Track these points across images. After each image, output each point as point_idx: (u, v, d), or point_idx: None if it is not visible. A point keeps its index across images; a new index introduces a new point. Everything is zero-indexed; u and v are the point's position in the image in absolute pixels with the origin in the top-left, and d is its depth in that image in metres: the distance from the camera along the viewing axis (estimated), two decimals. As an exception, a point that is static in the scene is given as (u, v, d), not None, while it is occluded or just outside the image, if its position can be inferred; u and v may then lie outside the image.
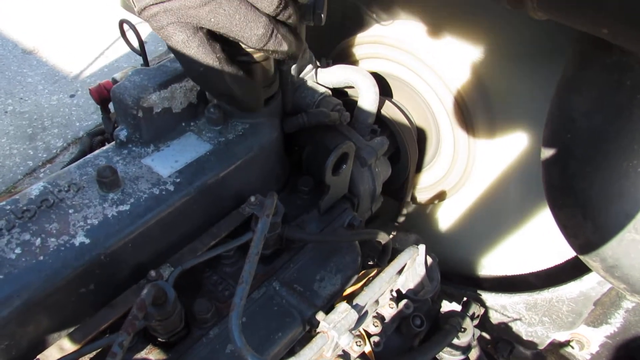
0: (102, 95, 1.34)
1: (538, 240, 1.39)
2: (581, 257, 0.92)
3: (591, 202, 0.80)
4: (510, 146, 1.29)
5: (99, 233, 0.79)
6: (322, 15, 1.04)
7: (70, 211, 0.81)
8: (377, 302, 0.97)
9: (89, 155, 0.92)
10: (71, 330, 0.79)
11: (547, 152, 0.84)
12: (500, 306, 1.46)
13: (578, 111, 0.76)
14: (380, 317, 1.01)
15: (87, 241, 0.78)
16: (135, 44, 1.17)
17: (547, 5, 0.58)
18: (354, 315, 0.81)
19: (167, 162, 0.92)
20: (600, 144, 0.75)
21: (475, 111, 1.28)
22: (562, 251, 1.34)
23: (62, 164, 3.26)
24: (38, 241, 0.76)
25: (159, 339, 0.85)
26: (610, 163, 0.75)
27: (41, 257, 0.75)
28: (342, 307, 0.82)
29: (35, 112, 3.61)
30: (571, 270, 1.32)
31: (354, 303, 0.84)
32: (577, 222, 0.84)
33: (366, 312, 0.88)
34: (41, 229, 0.78)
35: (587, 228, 0.83)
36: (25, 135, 3.45)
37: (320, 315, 0.83)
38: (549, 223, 1.31)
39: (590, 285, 1.23)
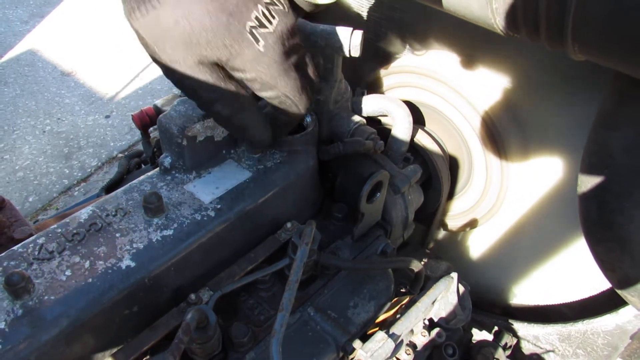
0: (144, 121, 1.40)
1: (572, 271, 1.37)
2: (619, 291, 0.91)
3: (629, 237, 0.80)
4: (544, 174, 1.29)
5: (144, 257, 0.83)
6: (359, 48, 1.08)
7: (117, 235, 0.85)
8: (411, 330, 0.97)
9: (134, 181, 0.96)
10: (114, 351, 0.82)
11: (584, 186, 0.84)
12: (533, 337, 1.44)
13: (616, 147, 0.76)
14: (412, 345, 1.02)
15: (132, 264, 0.81)
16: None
17: (588, 49, 0.59)
18: (390, 345, 0.82)
19: (209, 188, 0.95)
20: (638, 180, 0.75)
21: (509, 139, 1.29)
22: (596, 282, 1.32)
23: (96, 182, 3.36)
24: (87, 264, 0.80)
25: (197, 362, 0.87)
26: (649, 198, 0.75)
27: (90, 280, 0.78)
28: (379, 336, 0.83)
29: (71, 132, 3.74)
30: (606, 303, 1.30)
31: (390, 332, 0.85)
32: (615, 256, 0.83)
33: (402, 341, 0.88)
34: (90, 252, 0.82)
35: (625, 262, 0.82)
36: (61, 155, 3.56)
37: (357, 344, 0.84)
38: (583, 253, 1.29)
39: (626, 318, 1.21)
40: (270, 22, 0.77)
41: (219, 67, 0.79)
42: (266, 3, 0.78)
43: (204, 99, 0.80)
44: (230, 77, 0.80)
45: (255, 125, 0.84)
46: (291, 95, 0.84)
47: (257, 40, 0.77)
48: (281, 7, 0.80)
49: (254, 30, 0.76)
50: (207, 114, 0.93)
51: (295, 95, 0.85)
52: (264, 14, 0.77)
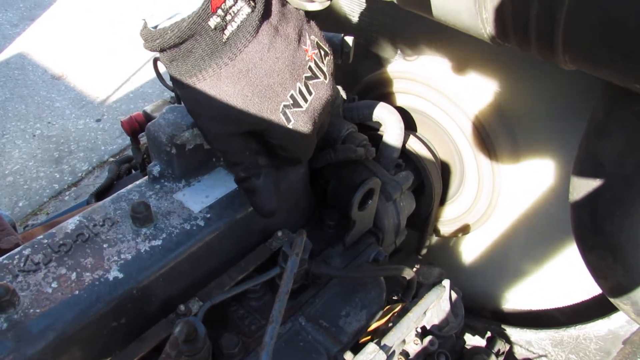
0: (133, 127, 1.38)
1: (564, 275, 1.37)
2: (611, 299, 0.91)
3: (621, 245, 0.80)
4: (536, 179, 1.29)
5: (132, 268, 0.81)
6: (350, 54, 1.07)
7: (105, 245, 0.83)
8: (403, 340, 0.97)
9: (122, 190, 0.94)
10: (102, 363, 0.80)
11: (575, 195, 0.84)
12: (526, 342, 1.44)
13: (607, 156, 0.76)
14: (405, 354, 1.01)
15: (120, 276, 0.80)
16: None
17: (578, 60, 0.59)
18: (382, 356, 0.81)
19: (198, 197, 0.94)
20: (629, 189, 0.75)
21: (500, 145, 1.28)
22: (589, 287, 1.32)
23: (87, 187, 3.33)
24: (74, 275, 0.79)
25: (187, 374, 0.86)
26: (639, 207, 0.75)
27: (76, 292, 0.77)
28: (371, 347, 0.82)
29: (62, 136, 3.70)
30: (598, 307, 1.30)
31: (382, 343, 0.84)
32: (607, 264, 0.83)
33: (393, 352, 0.88)
34: (77, 263, 0.80)
35: (617, 271, 0.82)
36: (52, 159, 3.53)
37: (348, 355, 0.84)
38: (575, 258, 1.30)
39: (619, 323, 1.22)
40: (305, 100, 0.79)
41: (249, 134, 0.81)
42: (307, 77, 0.79)
43: (228, 160, 0.84)
44: (258, 150, 0.84)
45: (263, 193, 0.86)
46: (303, 157, 0.90)
47: (288, 120, 0.79)
48: (322, 79, 0.81)
49: (287, 110, 0.78)
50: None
51: (306, 157, 0.91)
52: (300, 92, 0.78)
